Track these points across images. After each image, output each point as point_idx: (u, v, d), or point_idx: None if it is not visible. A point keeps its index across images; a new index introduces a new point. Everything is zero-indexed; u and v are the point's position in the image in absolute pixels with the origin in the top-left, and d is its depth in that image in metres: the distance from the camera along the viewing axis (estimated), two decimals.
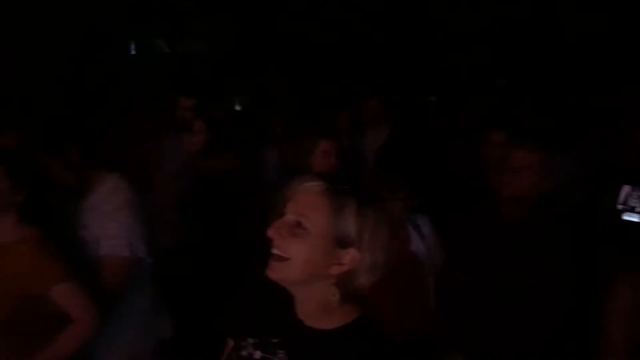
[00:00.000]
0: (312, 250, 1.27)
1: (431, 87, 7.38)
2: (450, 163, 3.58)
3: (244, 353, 1.39)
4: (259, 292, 1.44)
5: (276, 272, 1.30)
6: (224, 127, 4.13)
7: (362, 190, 1.31)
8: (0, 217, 2.15)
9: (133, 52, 6.85)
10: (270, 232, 1.30)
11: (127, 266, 2.41)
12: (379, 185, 2.37)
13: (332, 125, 4.10)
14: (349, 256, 1.28)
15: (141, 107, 4.53)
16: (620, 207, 2.92)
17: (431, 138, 4.09)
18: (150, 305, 2.63)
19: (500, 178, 2.46)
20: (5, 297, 2.09)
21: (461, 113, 4.86)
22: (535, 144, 2.45)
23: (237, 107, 6.60)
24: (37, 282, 2.11)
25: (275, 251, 1.30)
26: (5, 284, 2.10)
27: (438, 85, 7.24)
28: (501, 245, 2.37)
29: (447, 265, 2.50)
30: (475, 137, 3.57)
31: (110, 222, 2.39)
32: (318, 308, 1.33)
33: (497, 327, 2.31)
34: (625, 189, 2.93)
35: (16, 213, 2.17)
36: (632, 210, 2.89)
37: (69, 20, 6.16)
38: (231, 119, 5.24)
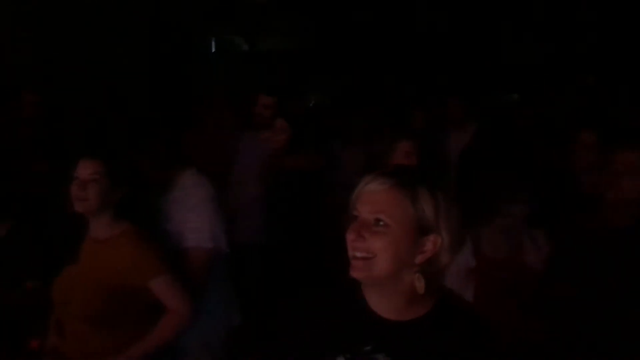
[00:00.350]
0: (396, 243, 1.27)
1: (512, 84, 7.12)
2: (540, 165, 3.41)
3: None
4: (329, 303, 1.41)
5: (362, 271, 1.29)
6: (301, 125, 4.11)
7: (428, 175, 1.34)
8: (99, 214, 2.23)
9: (213, 50, 6.99)
10: (351, 236, 1.30)
11: (211, 257, 2.48)
12: (493, 186, 2.28)
13: (411, 124, 4.04)
14: (431, 242, 1.29)
15: (220, 105, 4.60)
16: None
17: (519, 138, 3.92)
18: (224, 293, 2.68)
19: (600, 181, 2.31)
20: (105, 290, 2.16)
21: (548, 112, 4.64)
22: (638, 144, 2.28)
23: (312, 105, 6.60)
24: (137, 275, 2.17)
25: (357, 254, 1.29)
26: (105, 277, 2.17)
27: (520, 82, 6.97)
28: (608, 253, 2.23)
29: (552, 274, 2.36)
30: (564, 138, 3.40)
31: (194, 215, 2.45)
32: (405, 299, 1.32)
33: (605, 337, 2.18)
34: None
35: (113, 209, 2.24)
36: None
37: (150, 20, 6.36)
38: (308, 116, 5.23)
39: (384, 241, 1.27)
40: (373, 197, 1.29)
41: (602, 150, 2.89)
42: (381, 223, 1.27)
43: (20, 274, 2.76)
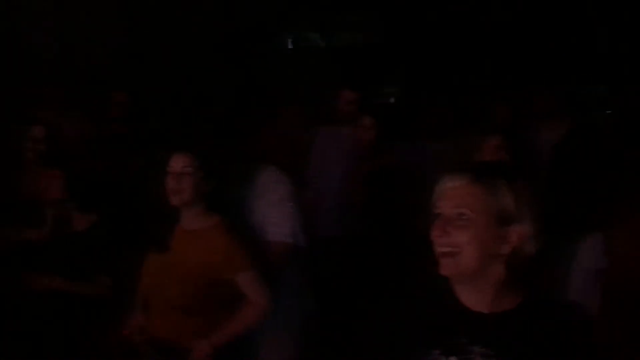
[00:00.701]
0: (480, 235, 1.30)
1: (600, 76, 6.74)
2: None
3: None
4: (418, 298, 1.44)
5: (450, 268, 1.32)
6: (384, 121, 4.05)
7: (506, 167, 1.43)
8: (193, 206, 2.33)
9: (289, 47, 7.04)
10: (435, 233, 1.33)
11: (289, 252, 2.56)
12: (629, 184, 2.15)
13: (496, 118, 3.91)
14: (515, 232, 1.31)
15: (297, 101, 4.61)
16: None
17: (617, 133, 3.69)
18: (302, 283, 2.75)
19: None
20: (195, 279, 2.26)
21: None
22: None
23: (392, 100, 6.51)
24: (227, 268, 2.28)
25: (443, 249, 1.32)
26: (196, 267, 2.27)
27: (608, 73, 6.59)
28: None
29: None
30: None
31: (274, 211, 2.53)
32: (494, 291, 1.34)
33: None
34: None
35: (204, 202, 2.33)
36: None
37: (227, 17, 6.46)
38: (390, 111, 5.18)
39: (467, 234, 1.30)
40: (454, 193, 1.33)
41: None
42: (464, 217, 1.31)
43: (96, 267, 2.90)
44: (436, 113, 4.35)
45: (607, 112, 5.46)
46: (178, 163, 2.30)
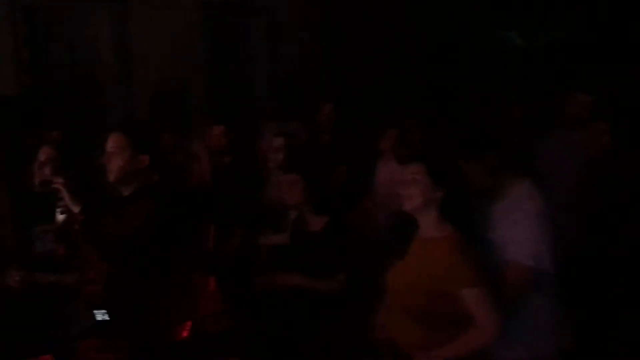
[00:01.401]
0: None
1: None
2: None
3: None
4: None
5: None
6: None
7: None
8: (424, 213, 2.35)
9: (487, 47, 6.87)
10: None
11: (530, 275, 2.36)
12: None
13: None
14: None
15: (511, 104, 4.45)
16: None
17: None
18: (552, 310, 2.52)
19: None
20: (422, 288, 2.26)
21: None
22: None
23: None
24: (451, 281, 2.22)
25: None
26: (424, 276, 2.27)
27: None
28: None
29: None
30: None
31: (519, 229, 2.36)
32: None
33: None
34: None
35: (438, 209, 2.32)
36: None
37: (428, 21, 6.45)
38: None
39: None
40: None
41: None
42: None
43: (333, 266, 3.02)
44: None
45: None
46: (407, 171, 2.36)
